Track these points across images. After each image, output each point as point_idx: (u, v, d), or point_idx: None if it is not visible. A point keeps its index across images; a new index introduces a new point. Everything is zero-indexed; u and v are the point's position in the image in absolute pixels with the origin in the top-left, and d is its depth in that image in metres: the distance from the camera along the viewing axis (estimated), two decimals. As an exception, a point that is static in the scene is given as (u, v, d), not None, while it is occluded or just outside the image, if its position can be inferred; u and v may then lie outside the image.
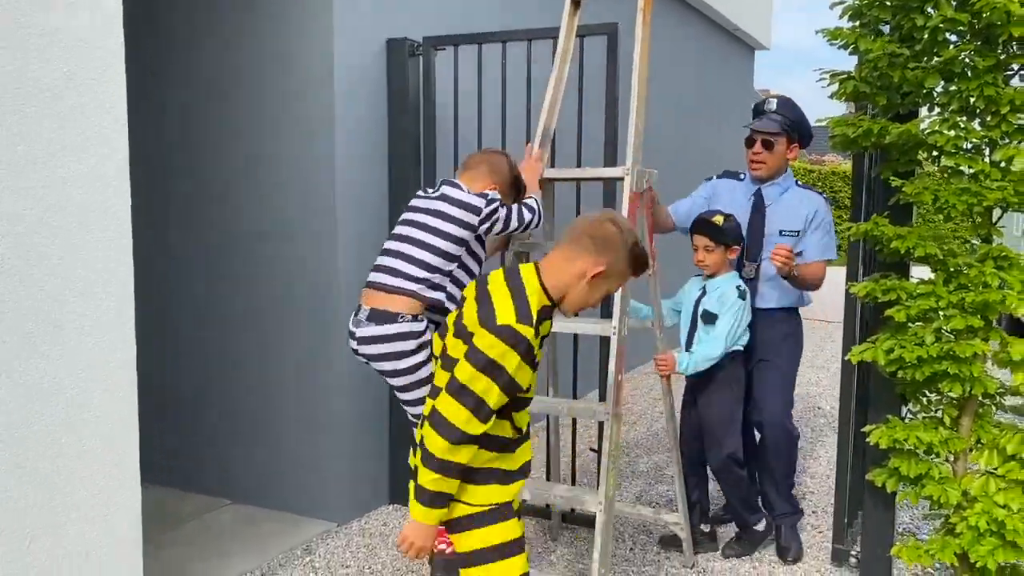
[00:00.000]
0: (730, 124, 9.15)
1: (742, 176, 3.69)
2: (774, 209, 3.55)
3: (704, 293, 3.47)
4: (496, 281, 2.15)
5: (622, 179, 3.04)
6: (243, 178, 3.90)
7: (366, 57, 3.80)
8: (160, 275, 4.15)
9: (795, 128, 3.52)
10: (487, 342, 1.99)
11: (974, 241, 2.84)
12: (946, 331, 2.76)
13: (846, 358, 2.95)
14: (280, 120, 3.77)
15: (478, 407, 1.99)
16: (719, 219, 3.41)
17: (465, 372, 2.00)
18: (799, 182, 3.64)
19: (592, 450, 3.96)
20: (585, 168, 3.33)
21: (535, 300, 2.08)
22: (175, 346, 4.17)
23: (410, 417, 3.07)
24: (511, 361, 1.99)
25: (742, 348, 3.48)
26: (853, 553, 3.44)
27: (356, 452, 3.92)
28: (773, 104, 3.55)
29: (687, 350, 3.48)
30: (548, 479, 3.69)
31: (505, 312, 2.02)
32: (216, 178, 3.97)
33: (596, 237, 2.13)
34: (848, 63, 14.86)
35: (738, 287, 3.41)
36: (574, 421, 3.81)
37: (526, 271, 2.15)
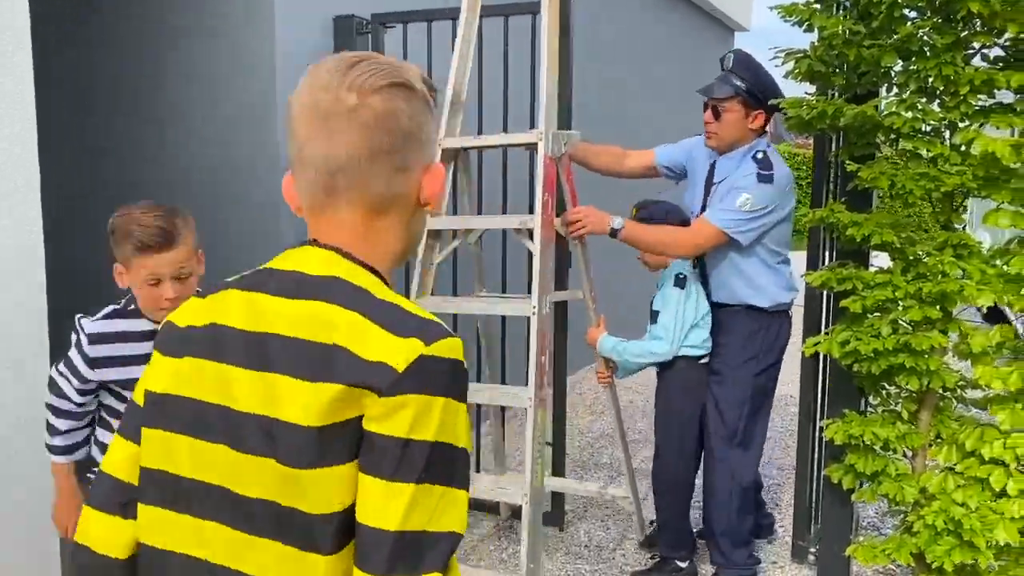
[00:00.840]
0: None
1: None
2: (723, 187, 2.99)
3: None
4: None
5: (535, 144, 2.83)
6: (178, 164, 3.74)
7: (312, 35, 3.64)
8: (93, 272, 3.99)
9: (755, 92, 2.92)
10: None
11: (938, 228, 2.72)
12: (904, 322, 2.64)
13: (801, 351, 2.84)
14: (219, 102, 3.61)
15: None
16: (633, 211, 3.17)
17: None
18: (762, 155, 2.95)
19: (547, 443, 3.84)
20: (498, 134, 3.06)
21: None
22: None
23: None
24: None
25: (704, 353, 3.08)
26: (812, 551, 3.33)
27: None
28: (730, 60, 2.99)
29: None
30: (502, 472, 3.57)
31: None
32: (147, 163, 3.81)
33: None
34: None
35: (677, 275, 3.05)
36: (502, 409, 3.67)
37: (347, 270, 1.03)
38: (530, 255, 2.83)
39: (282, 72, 3.50)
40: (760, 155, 2.96)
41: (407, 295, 2.90)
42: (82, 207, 3.97)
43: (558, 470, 3.63)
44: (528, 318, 2.77)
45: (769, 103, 2.92)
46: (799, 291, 3.13)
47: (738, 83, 2.93)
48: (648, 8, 7.62)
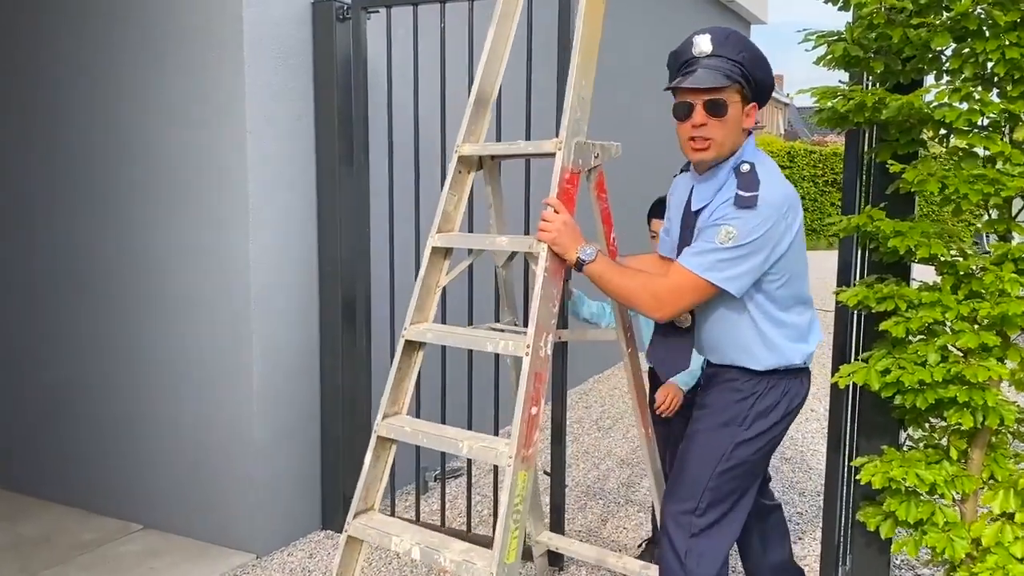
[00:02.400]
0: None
1: (685, 168, 2.44)
2: (706, 212, 2.23)
3: None
4: None
5: (552, 155, 2.28)
6: (136, 151, 3.41)
7: (288, 21, 3.30)
8: (47, 271, 3.67)
9: (750, 76, 2.17)
10: None
11: (991, 237, 2.34)
12: (954, 349, 2.27)
13: (832, 380, 2.47)
14: (188, 91, 3.27)
15: None
16: (651, 223, 2.96)
17: None
18: (747, 168, 2.17)
19: (545, 472, 3.49)
20: (518, 142, 2.51)
21: None
22: (72, 342, 3.70)
23: None
24: None
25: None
26: (842, 598, 2.96)
27: (280, 471, 3.45)
28: (706, 43, 2.15)
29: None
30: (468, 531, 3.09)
31: None
32: (105, 151, 3.47)
33: None
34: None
35: None
36: (468, 463, 3.27)
37: None
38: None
39: (252, 64, 3.16)
40: (745, 167, 2.16)
41: (404, 321, 2.48)
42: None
43: (557, 512, 3.26)
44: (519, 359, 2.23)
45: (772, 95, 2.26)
46: (822, 337, 2.43)
47: (731, 66, 2.14)
48: (662, 0, 7.25)
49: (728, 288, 2.13)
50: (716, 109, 2.14)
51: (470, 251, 2.65)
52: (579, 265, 2.21)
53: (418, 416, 3.33)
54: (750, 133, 2.24)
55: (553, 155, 2.29)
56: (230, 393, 3.35)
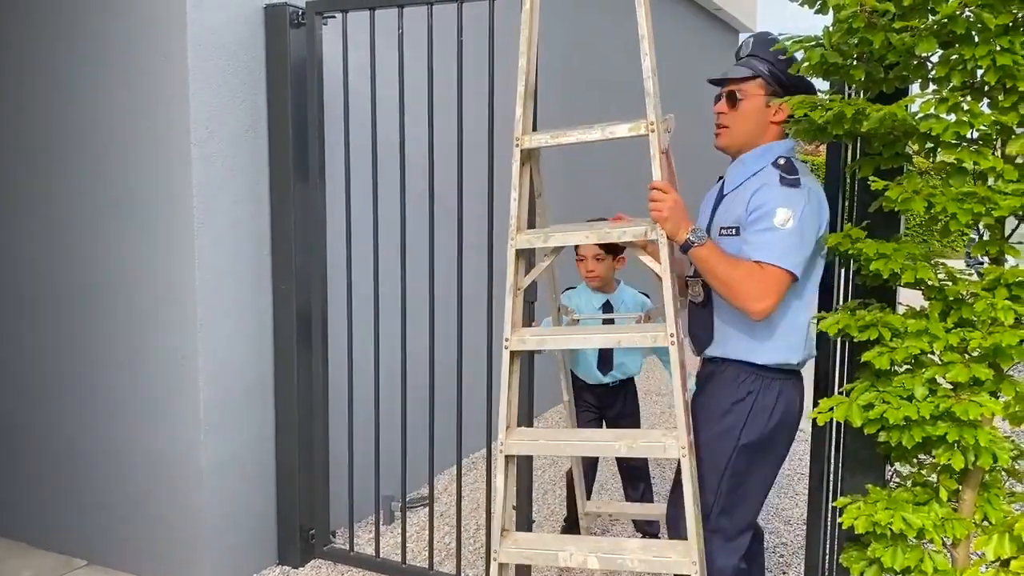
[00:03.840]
0: (710, 111, 8.46)
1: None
2: (730, 199, 2.38)
3: (610, 309, 3.35)
4: None
5: (646, 136, 2.28)
6: (75, 166, 3.20)
7: (238, 26, 3.10)
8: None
9: (780, 75, 2.31)
10: None
11: (983, 260, 2.16)
12: (943, 381, 2.08)
13: (811, 416, 2.27)
14: (130, 100, 3.07)
15: None
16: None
17: None
18: (784, 161, 2.30)
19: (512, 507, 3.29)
20: (595, 128, 2.40)
21: None
22: (11, 368, 3.49)
23: None
24: None
25: None
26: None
27: (231, 503, 3.24)
28: (747, 46, 2.40)
29: (602, 371, 3.41)
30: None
31: None
32: (40, 167, 3.27)
33: None
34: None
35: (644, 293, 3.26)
36: (431, 493, 3.12)
37: None
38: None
39: (198, 71, 2.97)
40: (782, 161, 2.29)
41: (503, 330, 2.46)
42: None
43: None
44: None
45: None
46: (813, 352, 2.44)
47: (758, 64, 2.32)
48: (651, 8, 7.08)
49: (796, 272, 2.21)
50: (731, 100, 2.36)
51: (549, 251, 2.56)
52: (686, 246, 2.25)
53: (404, 426, 3.15)
54: (786, 135, 2.35)
55: (645, 136, 2.29)
56: (176, 421, 3.15)
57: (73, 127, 3.21)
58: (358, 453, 3.42)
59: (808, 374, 2.47)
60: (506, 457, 2.42)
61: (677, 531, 2.46)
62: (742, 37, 10.11)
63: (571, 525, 3.55)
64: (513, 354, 2.45)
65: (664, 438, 2.32)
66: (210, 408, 3.12)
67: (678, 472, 2.38)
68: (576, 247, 3.26)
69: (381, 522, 3.80)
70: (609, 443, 2.39)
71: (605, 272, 3.33)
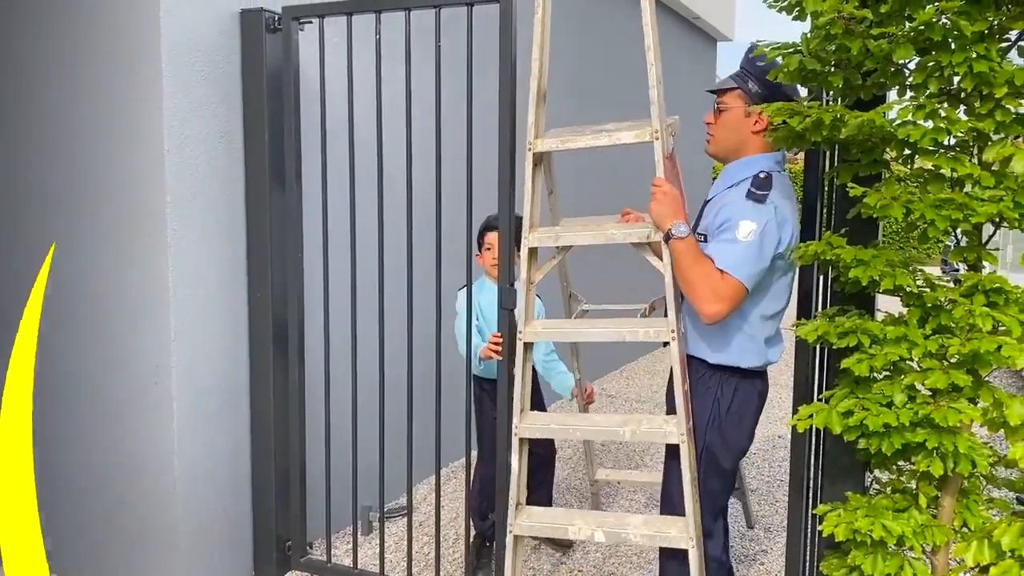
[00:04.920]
0: (688, 120, 8.49)
1: None
2: (710, 206, 2.53)
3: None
4: None
5: (650, 142, 2.46)
6: (43, 172, 3.15)
7: (213, 31, 3.07)
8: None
9: (761, 85, 2.41)
10: None
11: (959, 267, 2.16)
12: (922, 388, 2.08)
13: (791, 423, 2.27)
14: (100, 107, 3.03)
15: None
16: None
17: None
18: (764, 175, 2.40)
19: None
20: (600, 133, 2.57)
21: None
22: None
23: None
24: None
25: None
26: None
27: (206, 514, 3.19)
28: (740, 61, 2.53)
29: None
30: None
31: None
32: (5, 163, 3.22)
33: None
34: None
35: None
36: (409, 502, 3.09)
37: None
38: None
39: (172, 76, 2.92)
40: (763, 175, 2.39)
41: (518, 322, 2.65)
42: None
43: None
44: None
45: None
46: (770, 360, 2.56)
47: (740, 74, 2.47)
48: (630, 17, 7.10)
49: (747, 284, 2.33)
50: (717, 110, 2.52)
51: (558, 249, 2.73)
52: (667, 237, 2.37)
53: (382, 436, 3.12)
54: (760, 133, 2.44)
55: (649, 143, 2.47)
56: (150, 430, 3.09)
57: (42, 131, 3.16)
58: (335, 463, 3.38)
59: (788, 381, 2.50)
60: (520, 440, 2.62)
61: (671, 506, 2.58)
62: (720, 47, 10.18)
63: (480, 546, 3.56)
64: (526, 345, 2.63)
65: (666, 424, 2.51)
66: (184, 417, 3.07)
67: (667, 450, 2.58)
68: (481, 236, 3.34)
69: (359, 532, 3.77)
70: (615, 428, 2.54)
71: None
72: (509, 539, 2.64)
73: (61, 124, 3.12)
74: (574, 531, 2.56)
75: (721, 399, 2.50)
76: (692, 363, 2.53)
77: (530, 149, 2.57)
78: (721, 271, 2.31)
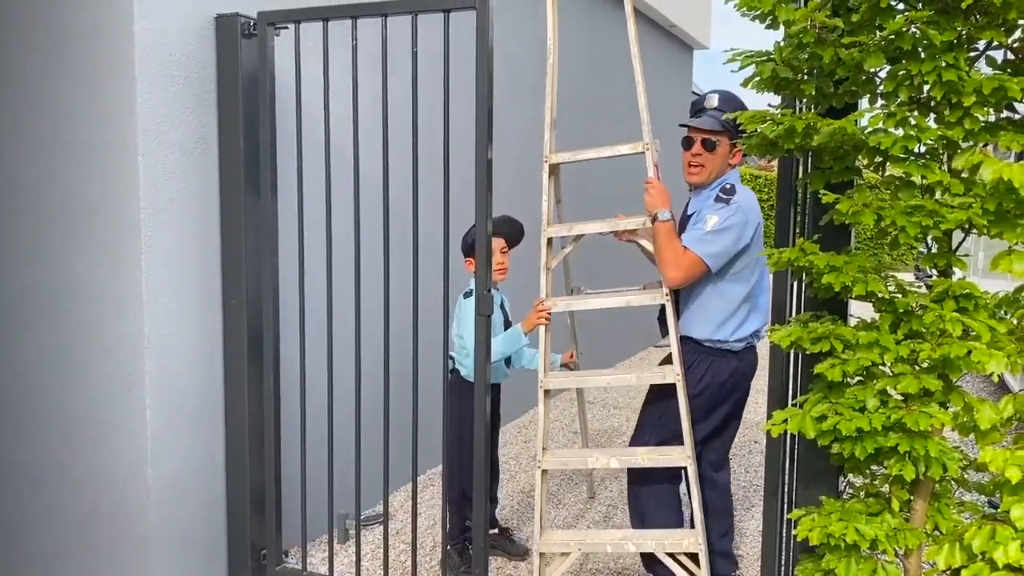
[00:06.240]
0: (664, 127, 8.54)
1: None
2: (692, 220, 3.13)
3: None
4: None
5: (643, 154, 3.10)
6: (15, 178, 3.11)
7: (188, 36, 3.05)
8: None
9: (739, 128, 2.87)
10: None
11: (931, 273, 2.19)
12: (894, 393, 2.11)
13: (765, 428, 2.28)
14: (75, 111, 2.99)
15: None
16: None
17: None
18: (729, 186, 3.07)
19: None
20: (605, 147, 3.17)
21: None
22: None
23: None
24: None
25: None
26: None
27: (180, 523, 3.15)
28: (715, 100, 3.09)
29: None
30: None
31: None
32: None
33: None
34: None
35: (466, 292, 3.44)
36: (385, 509, 3.10)
37: None
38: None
39: (146, 81, 2.90)
40: (728, 186, 3.07)
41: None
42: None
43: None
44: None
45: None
46: (745, 337, 3.14)
47: (724, 119, 3.05)
48: (607, 24, 7.14)
49: (708, 262, 2.95)
50: (709, 146, 3.07)
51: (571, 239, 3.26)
52: (654, 219, 3.02)
53: (358, 443, 3.11)
54: (735, 167, 3.14)
55: (641, 153, 3.09)
56: (123, 439, 3.05)
57: (14, 137, 3.12)
58: (311, 471, 3.35)
59: (762, 386, 2.56)
60: (544, 391, 3.13)
61: (641, 437, 3.26)
62: (696, 54, 10.27)
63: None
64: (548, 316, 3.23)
65: (662, 369, 3.10)
66: (158, 426, 3.04)
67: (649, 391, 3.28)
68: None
69: (335, 540, 3.74)
70: (623, 376, 3.16)
71: (508, 264, 3.48)
72: (537, 475, 3.12)
73: (33, 130, 3.08)
74: (592, 461, 3.10)
75: (699, 371, 3.11)
76: (687, 345, 3.12)
77: (546, 161, 3.17)
78: (685, 248, 2.96)
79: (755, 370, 3.22)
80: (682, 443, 3.06)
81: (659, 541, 3.05)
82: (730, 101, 3.07)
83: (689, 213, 3.15)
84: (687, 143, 3.10)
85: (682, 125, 3.12)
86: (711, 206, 3.00)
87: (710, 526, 3.21)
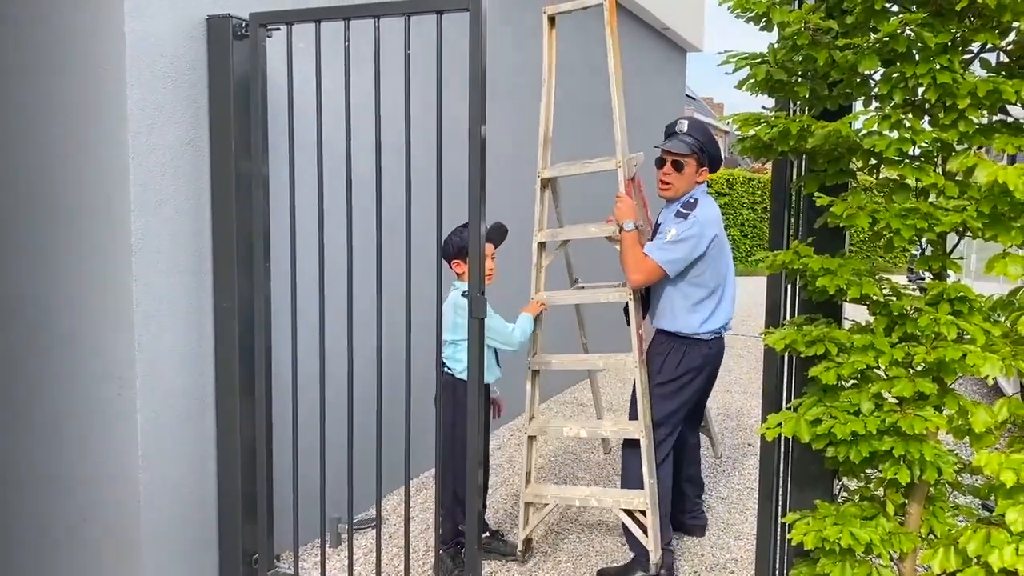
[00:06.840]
0: (660, 129, 8.54)
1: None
2: (659, 231, 3.54)
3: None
4: None
5: (615, 169, 3.48)
6: (6, 180, 3.09)
7: (179, 38, 3.02)
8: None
9: (705, 151, 3.45)
10: None
11: (924, 275, 2.18)
12: (889, 396, 2.10)
13: (759, 431, 2.27)
14: (65, 113, 2.97)
15: None
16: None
17: None
18: (693, 200, 3.43)
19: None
20: (583, 163, 3.62)
21: None
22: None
23: None
24: None
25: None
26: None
27: (171, 529, 3.13)
28: (684, 125, 3.51)
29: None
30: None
31: None
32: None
33: None
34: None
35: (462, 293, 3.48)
36: (378, 512, 3.08)
37: None
38: None
39: (136, 83, 2.88)
40: (692, 200, 3.41)
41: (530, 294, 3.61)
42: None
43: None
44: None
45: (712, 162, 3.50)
46: (715, 329, 3.50)
47: (693, 143, 3.40)
48: (594, 27, 7.13)
49: (666, 268, 3.33)
50: (678, 166, 3.43)
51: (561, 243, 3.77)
52: (621, 229, 3.40)
53: (350, 447, 3.08)
54: (701, 184, 3.47)
55: (615, 170, 3.49)
56: (113, 443, 3.03)
57: (4, 138, 3.09)
58: (303, 475, 3.33)
59: (757, 389, 2.52)
60: (532, 372, 3.64)
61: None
62: (689, 56, 10.28)
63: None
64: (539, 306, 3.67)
65: (627, 357, 3.46)
66: (149, 430, 3.02)
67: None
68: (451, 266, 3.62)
69: (327, 545, 3.72)
70: (594, 360, 3.67)
71: (495, 267, 3.53)
72: (526, 440, 3.66)
73: (24, 131, 3.05)
74: (567, 430, 3.56)
75: (675, 358, 3.47)
76: (658, 337, 3.55)
77: (539, 175, 3.65)
78: (645, 254, 3.34)
79: (722, 355, 3.67)
80: (648, 420, 3.46)
81: (615, 499, 3.49)
82: (698, 128, 3.49)
83: (658, 223, 3.59)
84: (660, 163, 3.45)
85: (656, 147, 3.50)
86: (672, 220, 3.38)
87: (689, 493, 3.96)
